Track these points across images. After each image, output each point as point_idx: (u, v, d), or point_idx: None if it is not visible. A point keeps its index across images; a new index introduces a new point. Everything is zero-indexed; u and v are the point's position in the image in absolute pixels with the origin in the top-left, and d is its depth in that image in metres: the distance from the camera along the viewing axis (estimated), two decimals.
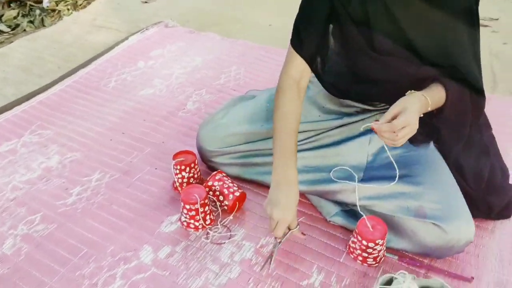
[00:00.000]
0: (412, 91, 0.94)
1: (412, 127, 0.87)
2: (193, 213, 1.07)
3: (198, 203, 1.06)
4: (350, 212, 1.11)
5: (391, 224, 1.01)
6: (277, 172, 1.02)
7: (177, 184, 1.20)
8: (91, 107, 1.61)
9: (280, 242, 1.03)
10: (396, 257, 1.03)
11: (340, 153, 1.16)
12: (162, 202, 1.19)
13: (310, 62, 1.09)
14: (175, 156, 1.20)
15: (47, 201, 1.21)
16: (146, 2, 2.49)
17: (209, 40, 2.02)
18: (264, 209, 1.00)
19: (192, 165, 1.19)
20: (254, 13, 2.35)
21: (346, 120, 1.17)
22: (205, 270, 1.01)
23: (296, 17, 1.11)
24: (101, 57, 1.92)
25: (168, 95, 1.65)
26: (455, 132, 1.05)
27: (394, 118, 0.87)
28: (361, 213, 1.00)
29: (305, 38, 1.08)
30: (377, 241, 0.96)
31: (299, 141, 1.12)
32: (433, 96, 0.93)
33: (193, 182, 1.21)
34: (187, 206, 1.07)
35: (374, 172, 1.10)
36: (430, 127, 1.01)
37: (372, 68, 1.03)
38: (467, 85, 0.96)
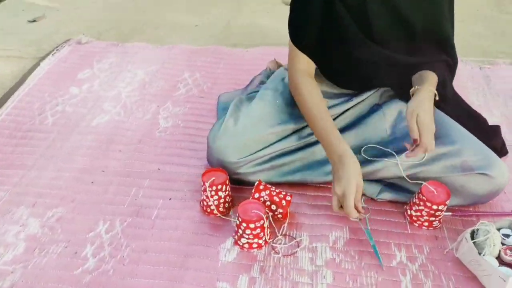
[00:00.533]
0: (417, 87, 1.02)
1: (433, 129, 0.97)
2: (258, 230, 0.97)
3: (264, 220, 0.96)
4: (393, 185, 1.14)
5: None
6: (330, 151, 1.01)
7: (213, 206, 1.06)
8: (38, 152, 1.30)
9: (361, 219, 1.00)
10: (450, 213, 1.09)
11: (359, 133, 1.17)
12: (203, 232, 1.05)
13: (313, 56, 1.10)
14: (204, 177, 1.06)
15: (60, 275, 0.95)
16: (34, 21, 2.11)
17: (141, 51, 1.82)
18: (334, 193, 0.97)
19: (227, 182, 1.07)
20: (172, 15, 2.20)
21: (354, 101, 1.19)
22: (298, 285, 0.92)
23: (291, 13, 1.11)
24: (17, 92, 1.57)
25: (130, 118, 1.44)
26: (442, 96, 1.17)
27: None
28: (411, 182, 1.05)
29: (303, 34, 1.09)
30: (446, 202, 1.01)
31: None
32: (434, 85, 1.03)
33: (229, 200, 1.10)
34: (251, 225, 0.96)
35: (400, 142, 1.14)
36: None
37: (371, 58, 1.08)
38: (450, 58, 1.09)
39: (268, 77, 1.47)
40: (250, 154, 1.13)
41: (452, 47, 1.13)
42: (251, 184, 1.14)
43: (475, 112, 1.27)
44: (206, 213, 1.09)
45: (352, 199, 0.95)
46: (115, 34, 2.01)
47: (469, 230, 0.96)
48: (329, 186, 1.13)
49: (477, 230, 0.96)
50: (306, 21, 1.08)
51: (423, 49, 1.09)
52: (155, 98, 1.54)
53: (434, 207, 1.01)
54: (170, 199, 1.14)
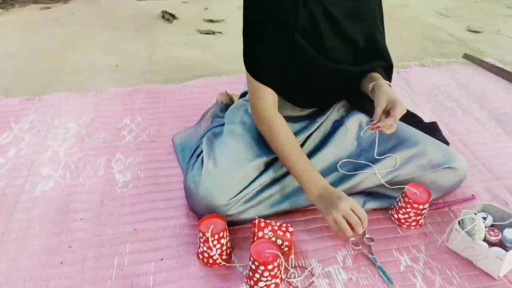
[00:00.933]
0: (378, 81, 1.09)
1: (404, 109, 1.02)
2: (276, 270, 0.94)
3: (281, 258, 0.94)
4: (374, 193, 1.20)
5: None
6: (311, 187, 1.06)
7: (217, 256, 1.00)
8: None
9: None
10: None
11: (330, 152, 1.21)
12: (212, 286, 0.98)
13: (277, 87, 1.12)
14: (202, 227, 1.00)
15: None
16: None
17: (65, 101, 1.65)
18: (332, 223, 1.00)
19: (226, 227, 1.02)
20: (86, 58, 2.03)
21: (318, 122, 1.23)
22: None
23: (247, 48, 1.11)
24: None
25: (80, 179, 1.29)
26: None
27: (384, 110, 1.01)
28: (391, 188, 1.13)
29: (265, 69, 1.10)
30: (429, 200, 1.10)
31: None
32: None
33: (230, 246, 1.04)
34: (269, 267, 0.92)
35: (369, 152, 1.22)
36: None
37: (329, 75, 1.13)
38: (387, 63, 1.20)
39: (221, 110, 1.45)
40: (238, 193, 1.09)
41: (387, 54, 1.22)
42: (241, 223, 1.11)
43: (412, 113, 1.41)
44: (208, 264, 1.02)
45: (355, 217, 0.99)
46: (24, 87, 1.79)
47: (456, 222, 1.05)
48: (315, 207, 1.15)
49: (462, 220, 1.06)
50: (265, 55, 1.09)
51: (366, 58, 1.17)
52: (101, 152, 1.40)
53: (421, 206, 1.09)
54: (161, 259, 1.04)
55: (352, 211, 0.99)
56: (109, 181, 1.28)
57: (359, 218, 0.99)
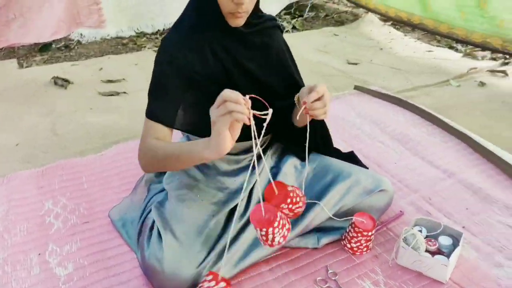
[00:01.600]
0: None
1: (327, 92, 1.05)
2: (282, 221, 0.95)
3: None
4: (323, 228, 1.28)
5: (357, 212, 1.28)
6: (199, 147, 0.94)
7: None
8: None
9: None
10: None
11: None
12: None
13: (194, 131, 1.15)
14: None
15: None
16: None
17: None
18: (218, 122, 0.87)
19: None
20: None
21: (256, 172, 1.28)
22: None
23: (154, 102, 1.12)
24: None
25: (11, 284, 1.13)
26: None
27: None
28: (340, 220, 1.22)
29: (167, 112, 1.11)
30: (376, 225, 1.21)
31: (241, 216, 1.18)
32: None
33: None
34: (275, 224, 0.92)
35: (311, 192, 1.30)
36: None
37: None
38: None
39: (156, 175, 1.41)
40: (205, 258, 1.08)
41: None
42: None
43: (335, 148, 1.55)
44: None
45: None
46: None
47: (400, 240, 1.18)
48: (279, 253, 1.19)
49: (405, 237, 1.19)
50: (173, 106, 1.10)
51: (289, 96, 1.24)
52: (29, 246, 1.25)
53: (370, 233, 1.20)
54: None
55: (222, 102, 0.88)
56: (48, 278, 1.15)
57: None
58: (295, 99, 1.13)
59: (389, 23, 3.50)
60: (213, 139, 0.89)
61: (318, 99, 1.02)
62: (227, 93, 0.86)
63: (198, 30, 1.10)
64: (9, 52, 2.84)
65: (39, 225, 1.33)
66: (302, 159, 1.30)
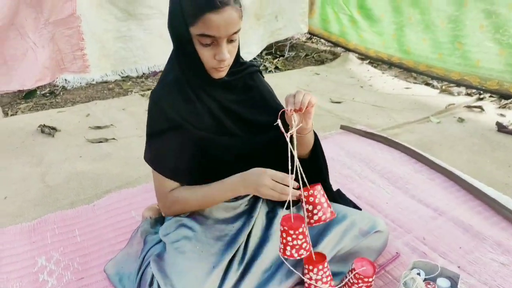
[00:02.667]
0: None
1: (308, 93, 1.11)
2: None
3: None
4: None
5: (354, 255, 1.29)
6: (234, 186, 1.13)
7: None
8: None
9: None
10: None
11: (273, 245, 1.27)
12: None
13: (190, 179, 1.21)
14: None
15: None
16: None
17: None
18: (267, 195, 1.06)
19: None
20: None
21: (253, 217, 1.30)
22: None
23: (153, 152, 1.20)
24: None
25: None
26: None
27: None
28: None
29: (173, 167, 1.19)
30: (376, 271, 1.23)
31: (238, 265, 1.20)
32: None
33: None
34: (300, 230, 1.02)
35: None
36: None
37: (235, 165, 1.20)
38: None
39: (152, 225, 1.40)
40: None
41: None
42: None
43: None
44: None
45: (276, 193, 1.06)
46: None
47: (401, 284, 1.20)
48: None
49: (405, 282, 1.20)
50: (180, 160, 1.18)
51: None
52: None
53: (370, 279, 1.21)
54: None
55: (274, 180, 1.06)
56: None
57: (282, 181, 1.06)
58: (278, 121, 1.10)
59: (367, 61, 3.65)
60: (252, 191, 1.08)
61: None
62: (287, 178, 1.05)
63: (184, 82, 1.16)
64: None
65: (32, 283, 1.29)
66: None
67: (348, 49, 3.85)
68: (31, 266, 1.36)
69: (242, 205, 1.30)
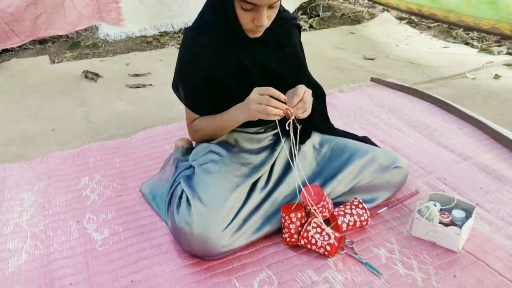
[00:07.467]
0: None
1: (308, 92, 1.18)
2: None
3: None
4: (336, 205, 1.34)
5: (374, 187, 1.35)
6: (238, 114, 1.22)
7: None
8: None
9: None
10: (385, 208, 1.37)
11: (294, 176, 1.34)
12: None
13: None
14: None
15: None
16: None
17: (10, 172, 1.57)
18: (255, 112, 1.14)
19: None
20: (14, 126, 1.94)
21: (277, 150, 1.37)
22: None
23: (184, 92, 1.31)
24: None
25: (54, 245, 1.24)
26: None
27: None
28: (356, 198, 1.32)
29: (202, 107, 1.31)
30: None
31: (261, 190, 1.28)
32: None
33: None
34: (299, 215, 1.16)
35: (328, 168, 1.38)
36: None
37: None
38: (319, 91, 1.42)
39: (183, 154, 1.51)
40: (229, 223, 1.16)
41: (315, 85, 1.41)
42: (232, 253, 1.19)
43: (347, 132, 1.62)
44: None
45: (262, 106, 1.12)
46: None
47: (415, 212, 1.25)
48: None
49: (420, 210, 1.25)
50: (200, 97, 1.30)
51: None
52: (68, 215, 1.36)
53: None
54: None
55: (266, 95, 1.12)
56: (87, 242, 1.25)
57: (272, 96, 1.12)
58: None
59: (405, 21, 3.56)
60: (246, 112, 1.16)
61: (301, 100, 1.15)
62: (273, 90, 1.12)
63: (218, 31, 1.22)
64: (41, 49, 3.01)
65: (76, 198, 1.44)
66: (321, 130, 1.44)
67: (380, 4, 3.77)
68: (75, 184, 1.51)
69: (266, 139, 1.38)
